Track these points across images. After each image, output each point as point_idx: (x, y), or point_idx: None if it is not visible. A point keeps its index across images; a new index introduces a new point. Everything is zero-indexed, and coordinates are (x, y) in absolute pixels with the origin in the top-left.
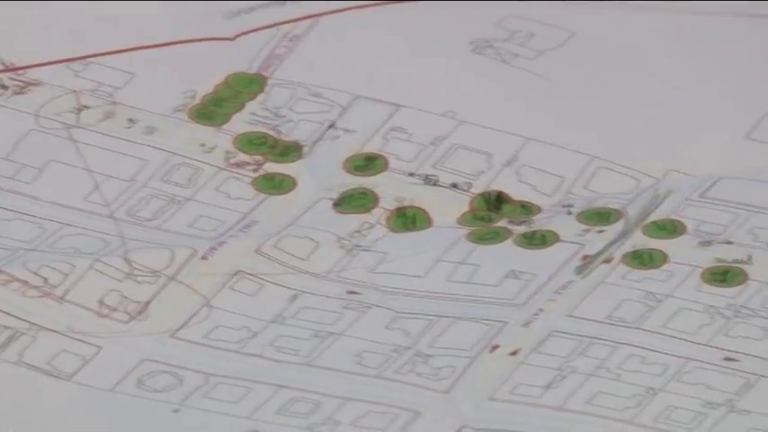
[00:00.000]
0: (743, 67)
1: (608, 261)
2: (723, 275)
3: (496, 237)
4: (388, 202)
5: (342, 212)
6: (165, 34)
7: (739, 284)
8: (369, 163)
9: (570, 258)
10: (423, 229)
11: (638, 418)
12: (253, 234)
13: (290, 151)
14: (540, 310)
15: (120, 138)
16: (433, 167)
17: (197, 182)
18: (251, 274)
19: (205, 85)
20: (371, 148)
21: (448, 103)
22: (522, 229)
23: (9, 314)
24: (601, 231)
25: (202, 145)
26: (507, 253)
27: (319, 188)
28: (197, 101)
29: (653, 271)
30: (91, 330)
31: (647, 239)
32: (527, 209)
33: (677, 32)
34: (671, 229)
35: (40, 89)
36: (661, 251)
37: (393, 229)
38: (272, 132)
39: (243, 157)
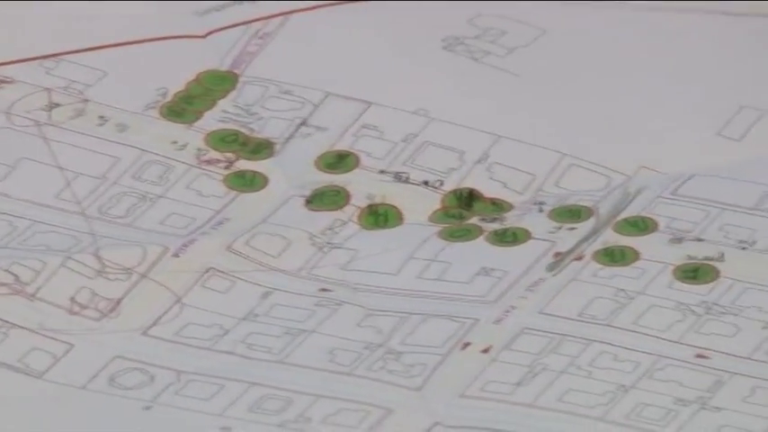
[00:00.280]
0: (714, 64)
1: (579, 258)
2: (694, 273)
3: (468, 234)
4: (359, 200)
5: (313, 210)
6: (137, 32)
7: (710, 282)
8: (340, 160)
9: (542, 256)
10: (394, 226)
11: (609, 415)
12: (224, 231)
13: (262, 149)
14: (512, 307)
15: (91, 135)
16: (405, 165)
17: (168, 179)
18: (223, 272)
19: (177, 83)
20: (343, 145)
21: (419, 101)
22: (494, 226)
23: None
24: (572, 229)
25: (174, 142)
26: (479, 250)
27: (291, 186)
28: (168, 98)
29: (624, 268)
30: (62, 328)
31: (619, 237)
32: (498, 206)
33: (648, 30)
34: (642, 226)
35: (11, 87)
36: (632, 248)
37: (365, 227)
38: (243, 130)
39: (214, 154)
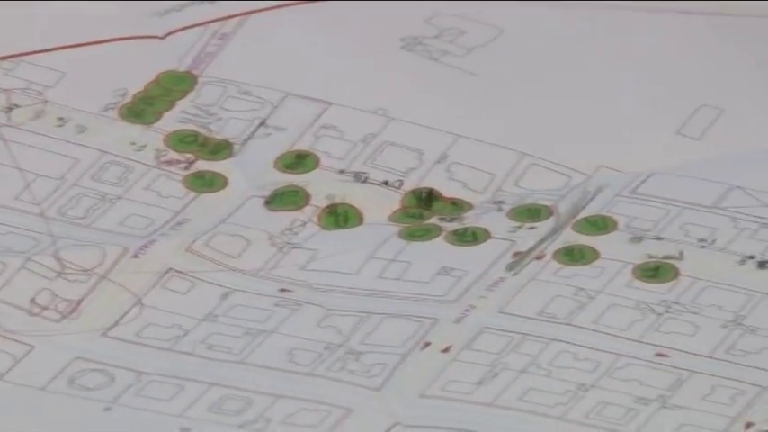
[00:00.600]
0: (673, 63)
1: (539, 258)
2: (654, 271)
3: (428, 234)
4: (319, 200)
5: (273, 210)
6: (96, 33)
7: (670, 280)
8: (300, 161)
9: (501, 255)
10: (354, 226)
11: (569, 414)
12: (184, 232)
13: (221, 149)
14: (472, 306)
15: (50, 136)
16: (364, 165)
17: (128, 180)
18: (182, 273)
19: (136, 84)
20: (302, 145)
21: (378, 101)
22: (454, 226)
23: None
24: (532, 228)
25: (133, 143)
26: (438, 250)
27: (250, 186)
28: (128, 99)
29: (584, 267)
30: (22, 329)
31: (578, 236)
32: (458, 206)
33: (607, 29)
34: (602, 225)
35: None
36: (592, 247)
37: (324, 227)
38: (202, 130)
39: (174, 155)
